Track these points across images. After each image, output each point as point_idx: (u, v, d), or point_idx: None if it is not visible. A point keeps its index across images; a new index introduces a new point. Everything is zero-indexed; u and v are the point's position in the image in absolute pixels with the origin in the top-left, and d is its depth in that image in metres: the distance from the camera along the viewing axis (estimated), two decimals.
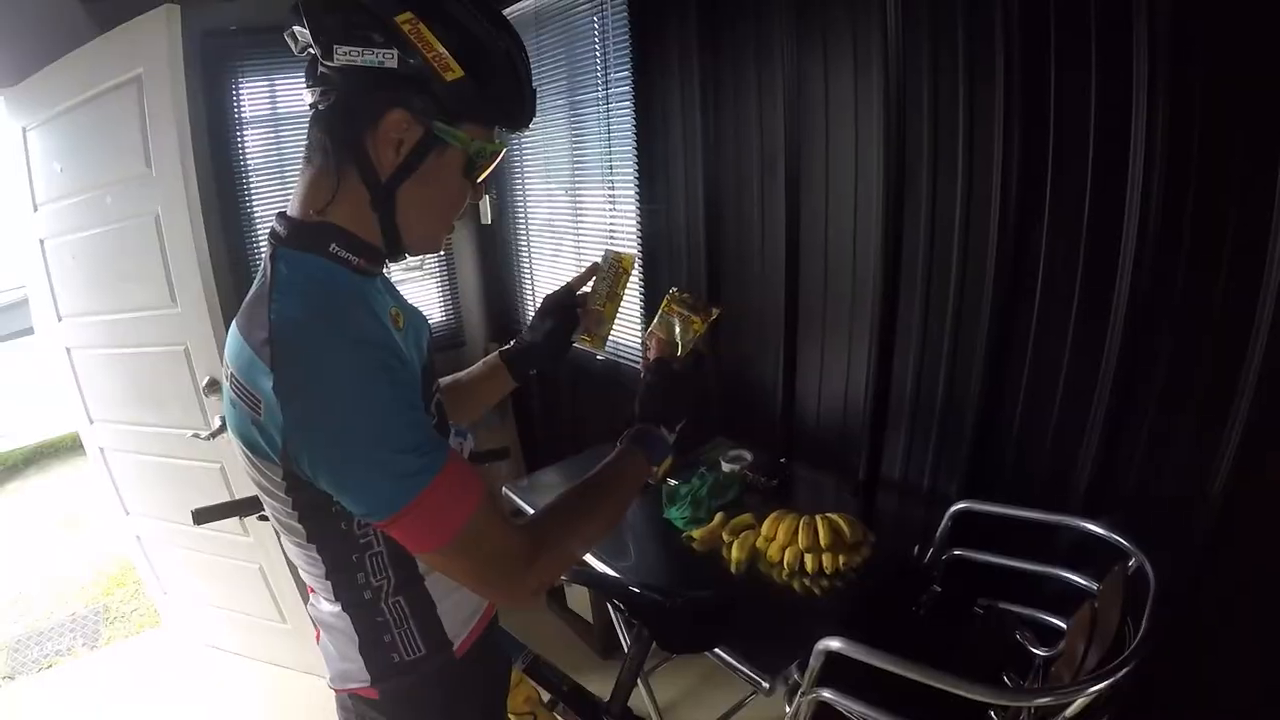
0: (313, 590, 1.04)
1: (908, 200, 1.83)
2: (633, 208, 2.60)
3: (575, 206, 2.89)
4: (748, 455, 2.22)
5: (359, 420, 0.79)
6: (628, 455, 1.06)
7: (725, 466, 2.18)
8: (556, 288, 1.31)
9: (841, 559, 1.68)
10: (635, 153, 2.52)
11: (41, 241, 2.39)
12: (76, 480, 5.27)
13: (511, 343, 1.33)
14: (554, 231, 3.09)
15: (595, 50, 2.57)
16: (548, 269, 3.21)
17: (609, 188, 2.70)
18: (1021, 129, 1.57)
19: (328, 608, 1.00)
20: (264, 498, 0.92)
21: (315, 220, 0.90)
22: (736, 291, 2.37)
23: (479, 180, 0.95)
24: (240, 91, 2.68)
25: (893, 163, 1.82)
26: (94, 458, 2.75)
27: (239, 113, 2.69)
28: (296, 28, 0.85)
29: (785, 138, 2.05)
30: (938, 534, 1.70)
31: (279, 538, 1.00)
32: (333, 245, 0.89)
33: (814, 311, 2.15)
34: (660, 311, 1.28)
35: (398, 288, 1.10)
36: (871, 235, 1.92)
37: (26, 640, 3.39)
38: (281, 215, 0.92)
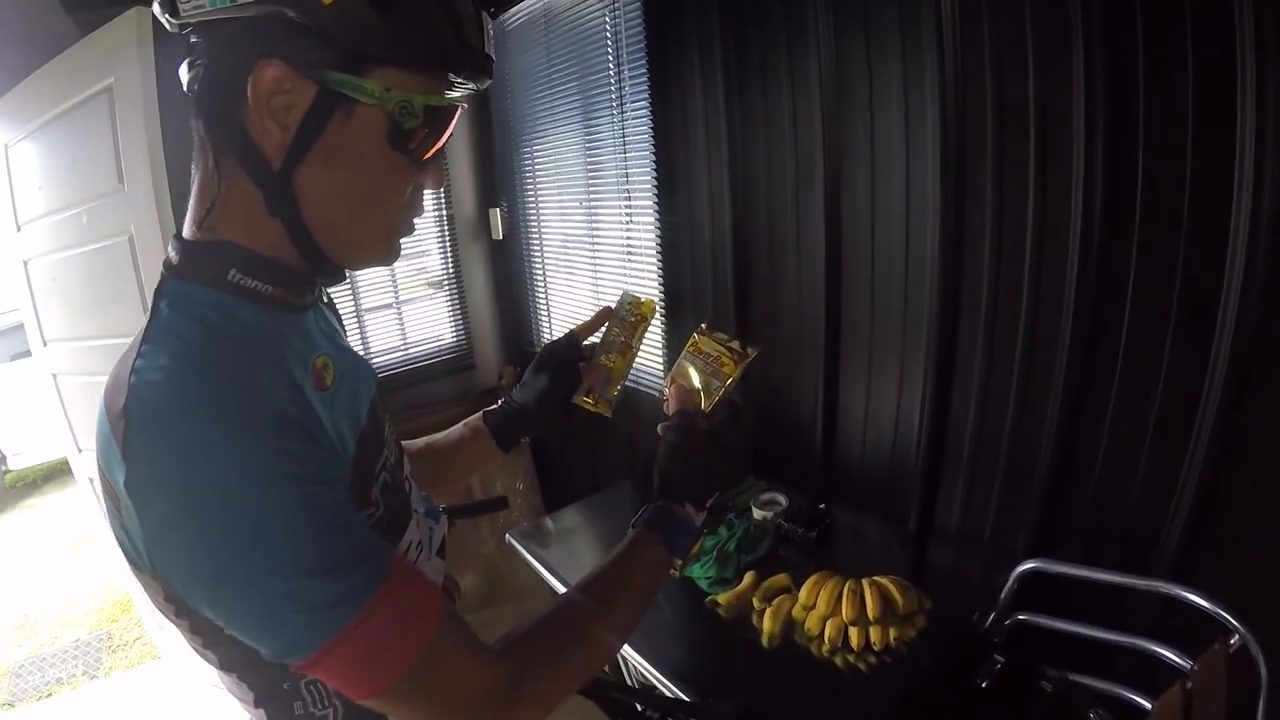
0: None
1: (969, 209, 1.57)
2: (651, 221, 2.37)
3: (591, 221, 2.68)
4: (782, 500, 1.98)
5: (242, 535, 0.56)
6: (641, 546, 0.83)
7: (757, 514, 1.93)
8: (559, 335, 1.06)
9: (893, 632, 1.44)
10: (653, 160, 2.30)
11: (25, 263, 2.27)
12: (93, 499, 5.23)
13: (499, 403, 1.10)
14: (569, 247, 2.89)
15: (608, 50, 2.36)
16: (563, 286, 3.00)
17: (625, 199, 2.48)
18: (1107, 125, 1.31)
19: None
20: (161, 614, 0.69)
21: (207, 240, 0.68)
22: (769, 313, 2.13)
23: (420, 152, 0.70)
24: None
25: (950, 165, 1.56)
26: (83, 487, 2.62)
27: None
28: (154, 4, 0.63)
29: (823, 138, 1.80)
30: (1002, 596, 1.45)
31: None
32: (232, 272, 0.67)
33: (859, 336, 1.90)
34: (684, 352, 1.07)
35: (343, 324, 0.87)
36: (926, 248, 1.66)
37: (29, 666, 3.38)
38: (176, 236, 0.70)
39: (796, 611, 1.54)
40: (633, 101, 2.33)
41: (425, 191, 0.77)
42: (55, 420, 2.57)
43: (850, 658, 1.45)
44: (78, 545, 4.62)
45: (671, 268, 2.39)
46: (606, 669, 1.13)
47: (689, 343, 1.07)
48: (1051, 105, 1.39)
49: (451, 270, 3.30)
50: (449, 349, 3.39)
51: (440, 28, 0.65)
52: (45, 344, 2.34)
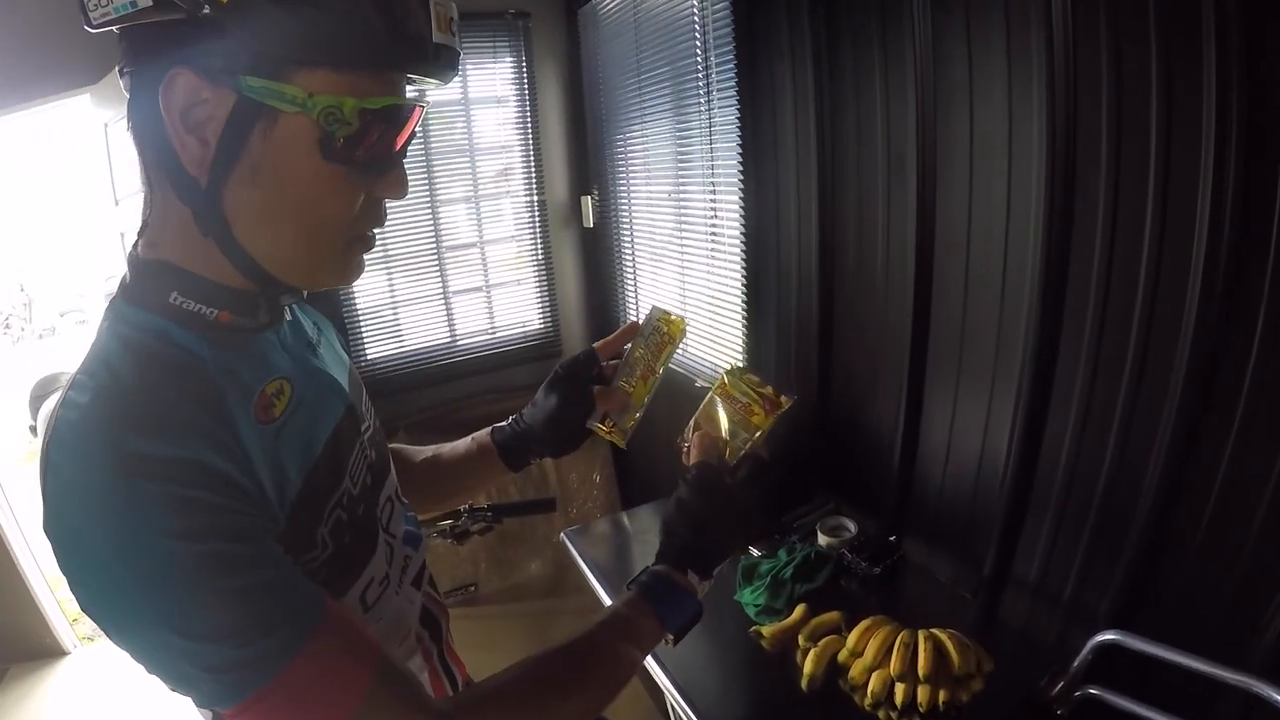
0: None
1: (1077, 214, 1.37)
2: (736, 214, 2.26)
3: (679, 211, 2.59)
4: (851, 527, 1.83)
5: (137, 597, 0.53)
6: (632, 614, 0.77)
7: (821, 539, 1.80)
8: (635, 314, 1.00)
9: (942, 694, 1.29)
10: (739, 152, 2.17)
11: (122, 235, 2.38)
12: None
13: (508, 420, 1.03)
14: (657, 237, 2.81)
15: (696, 39, 2.25)
16: (650, 276, 2.93)
17: (710, 191, 2.37)
18: (1243, 117, 1.09)
19: None
20: None
21: (149, 258, 0.64)
22: (852, 318, 1.98)
23: (367, 159, 0.62)
24: None
25: (1057, 163, 1.36)
26: None
27: None
28: None
29: (918, 136, 1.63)
30: (1074, 665, 1.27)
31: None
32: (173, 294, 0.63)
33: (947, 351, 1.71)
34: (709, 396, 0.99)
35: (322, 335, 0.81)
36: (1027, 256, 1.46)
37: None
38: (129, 252, 0.67)
39: (843, 656, 1.41)
40: (720, 92, 2.22)
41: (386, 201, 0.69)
42: None
43: (894, 714, 1.31)
44: None
45: (755, 262, 2.26)
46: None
47: (717, 384, 0.99)
48: (1176, 110, 1.18)
49: (541, 256, 3.28)
50: (536, 335, 3.39)
51: (367, 18, 0.56)
52: None
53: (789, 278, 2.14)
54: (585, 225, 3.23)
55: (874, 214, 1.83)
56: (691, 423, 0.98)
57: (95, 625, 0.57)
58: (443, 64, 0.63)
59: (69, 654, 3.13)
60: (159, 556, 0.53)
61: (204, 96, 0.57)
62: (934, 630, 1.37)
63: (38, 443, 5.04)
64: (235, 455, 0.60)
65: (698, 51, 2.24)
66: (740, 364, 0.98)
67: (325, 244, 0.66)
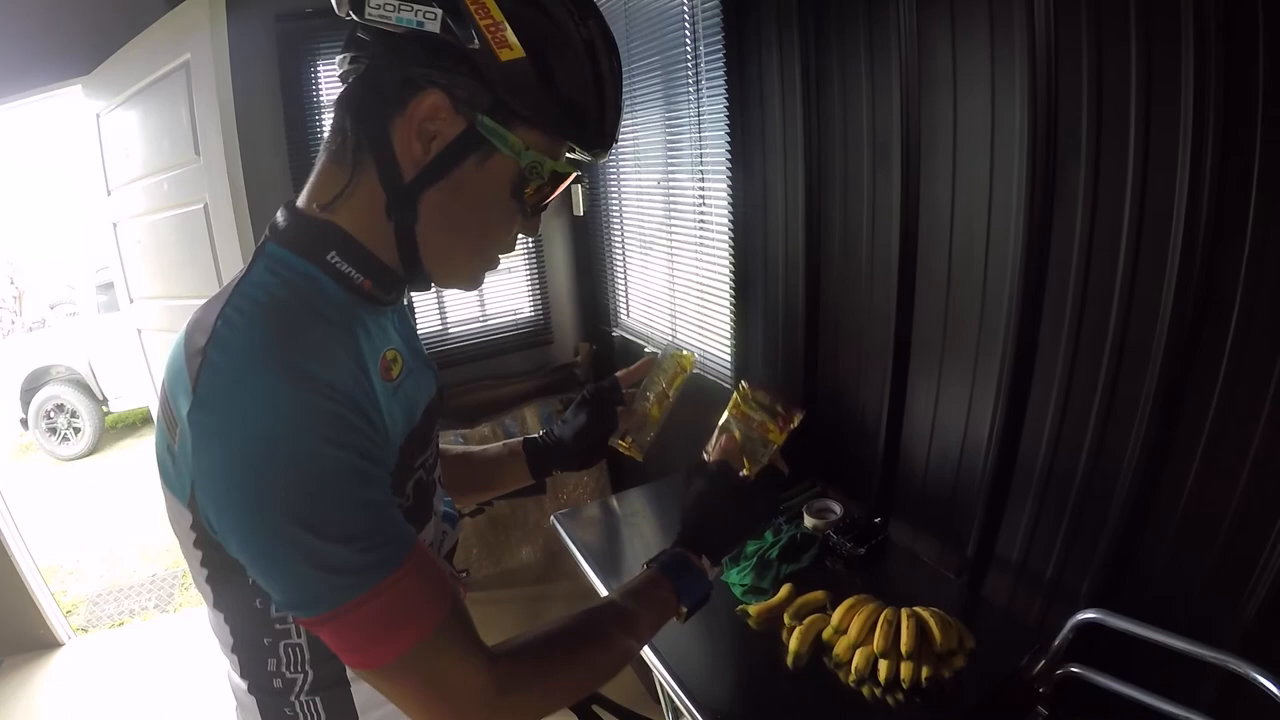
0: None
1: (1058, 202, 1.40)
2: (724, 203, 2.28)
3: (668, 200, 2.61)
4: (836, 509, 1.86)
5: (284, 487, 0.61)
6: (652, 587, 0.86)
7: (808, 521, 1.83)
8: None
9: (925, 670, 1.32)
10: (727, 141, 2.20)
11: (114, 225, 2.39)
12: None
13: (539, 434, 1.15)
14: (647, 226, 2.83)
15: (685, 29, 2.29)
16: (640, 264, 2.95)
17: (699, 180, 2.39)
18: (1220, 108, 1.11)
19: (236, 680, 0.82)
20: (176, 539, 0.75)
21: (318, 217, 0.72)
22: (839, 304, 2.01)
23: (533, 206, 0.75)
24: (319, 74, 2.56)
25: (1039, 151, 1.39)
26: None
27: (317, 96, 2.58)
28: None
29: (902, 119, 1.65)
30: (1055, 644, 1.30)
31: None
32: (331, 254, 0.72)
33: (931, 335, 1.74)
34: (727, 414, 1.09)
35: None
36: (1009, 243, 1.49)
37: (107, 595, 3.64)
38: (288, 204, 0.75)
39: (827, 634, 1.44)
40: (709, 82, 2.24)
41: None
42: (141, 371, 2.71)
43: (877, 691, 1.34)
44: None
45: (743, 250, 2.29)
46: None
47: (731, 403, 1.08)
48: (1155, 100, 1.20)
49: (532, 244, 3.30)
50: (527, 322, 3.42)
51: (590, 110, 0.71)
52: (131, 300, 2.48)
53: (776, 264, 2.16)
54: (575, 213, 3.24)
55: (859, 202, 1.86)
56: (717, 431, 1.07)
57: (216, 527, 0.64)
58: (609, 153, 0.78)
59: (63, 645, 3.14)
60: (311, 456, 0.61)
61: (442, 116, 0.67)
62: (917, 608, 1.40)
63: (28, 436, 5.04)
64: (369, 395, 0.68)
65: (687, 42, 2.27)
66: (745, 382, 1.09)
67: (480, 258, 0.78)
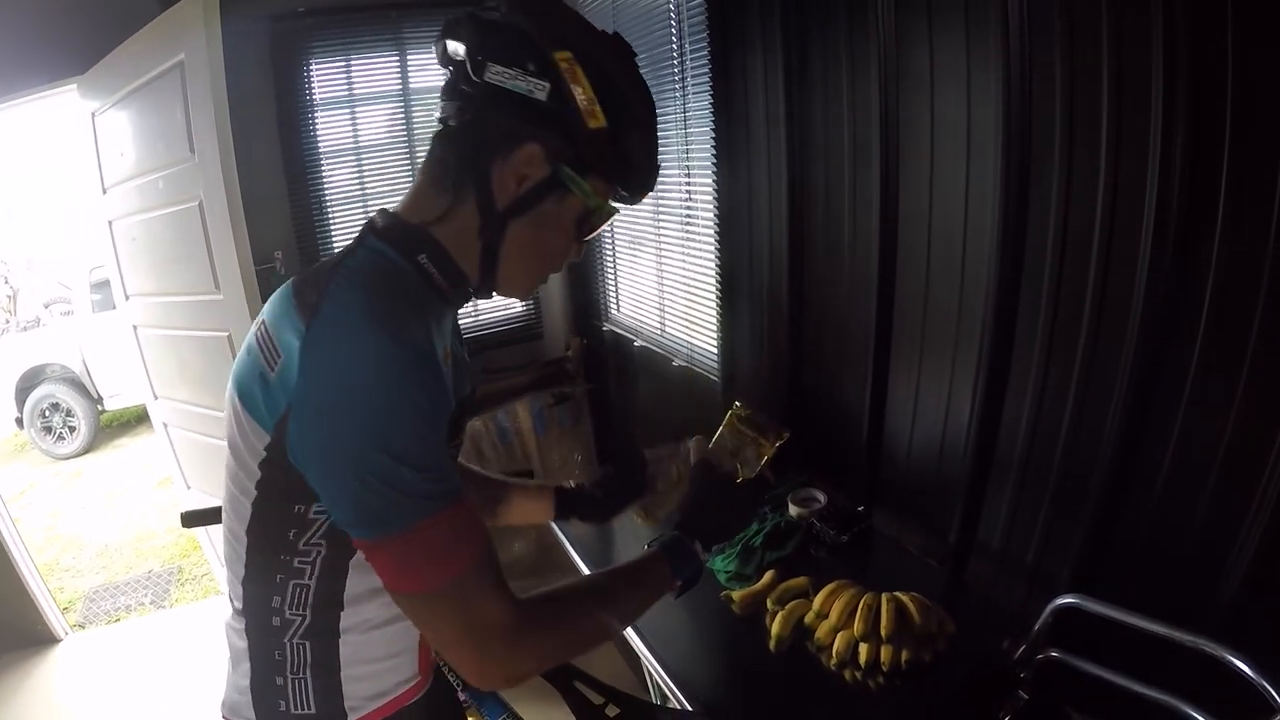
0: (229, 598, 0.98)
1: (1033, 195, 1.43)
2: (710, 198, 2.32)
3: (655, 196, 2.64)
4: (820, 498, 1.89)
5: (381, 416, 0.74)
6: (653, 562, 0.99)
7: (792, 510, 1.86)
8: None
9: (904, 654, 1.36)
10: (713, 137, 2.24)
11: (110, 223, 2.41)
12: (168, 443, 5.69)
13: (572, 483, 1.31)
14: (635, 221, 2.87)
15: (671, 26, 2.32)
16: (629, 259, 3.00)
17: (685, 176, 2.44)
18: (1188, 105, 1.15)
19: (233, 622, 0.95)
20: (231, 461, 0.87)
21: (415, 223, 0.88)
22: (821, 296, 2.04)
23: (584, 235, 0.93)
24: (312, 74, 2.59)
25: (1014, 149, 1.42)
26: (159, 432, 2.80)
27: (310, 95, 2.60)
28: (450, 40, 0.84)
29: (881, 116, 1.69)
30: (1035, 629, 1.32)
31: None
32: (422, 256, 0.87)
33: (911, 326, 1.78)
34: (720, 431, 1.24)
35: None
36: (985, 235, 1.52)
37: (103, 591, 3.65)
38: (384, 211, 0.91)
39: (809, 618, 1.48)
40: (694, 80, 2.28)
41: None
42: (136, 368, 2.74)
43: (858, 674, 1.38)
44: (160, 484, 4.95)
45: (728, 246, 2.33)
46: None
47: (727, 420, 1.25)
48: (1126, 96, 1.24)
49: None
50: (517, 317, 3.44)
51: (644, 167, 0.92)
52: (127, 298, 2.50)
53: (761, 260, 2.20)
54: None
55: (841, 197, 1.89)
56: (713, 440, 1.23)
57: (300, 451, 0.76)
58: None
59: (60, 641, 3.16)
60: (400, 396, 0.74)
61: (535, 163, 0.84)
62: (897, 593, 1.44)
63: (23, 435, 5.04)
64: (440, 367, 0.81)
65: (673, 40, 2.30)
66: (742, 408, 1.27)
67: (539, 276, 0.96)
